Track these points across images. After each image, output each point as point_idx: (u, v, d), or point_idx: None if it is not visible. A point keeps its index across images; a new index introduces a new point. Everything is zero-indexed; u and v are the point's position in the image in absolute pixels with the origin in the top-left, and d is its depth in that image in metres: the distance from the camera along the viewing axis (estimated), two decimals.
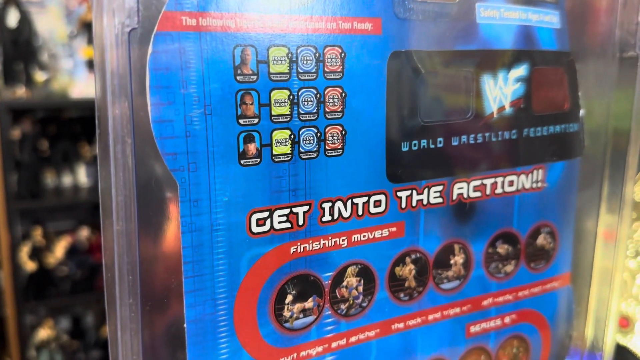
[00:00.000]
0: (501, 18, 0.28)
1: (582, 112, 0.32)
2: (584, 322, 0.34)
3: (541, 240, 0.32)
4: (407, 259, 0.28)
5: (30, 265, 1.45)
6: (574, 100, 0.31)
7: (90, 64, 1.49)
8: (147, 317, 0.22)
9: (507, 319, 0.32)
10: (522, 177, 0.30)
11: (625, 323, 0.44)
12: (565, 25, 0.31)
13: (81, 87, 1.46)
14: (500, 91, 0.29)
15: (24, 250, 1.44)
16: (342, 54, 0.24)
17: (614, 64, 0.31)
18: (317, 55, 0.23)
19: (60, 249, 1.53)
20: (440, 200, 0.28)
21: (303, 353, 0.26)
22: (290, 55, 0.23)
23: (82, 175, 1.57)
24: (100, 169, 0.20)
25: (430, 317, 0.29)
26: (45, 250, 1.51)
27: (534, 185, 0.31)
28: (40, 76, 1.42)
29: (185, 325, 0.23)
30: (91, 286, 1.52)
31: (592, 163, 0.32)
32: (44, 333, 1.50)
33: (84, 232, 1.57)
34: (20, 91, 1.37)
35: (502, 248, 0.30)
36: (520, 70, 0.29)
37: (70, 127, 1.54)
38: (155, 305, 0.22)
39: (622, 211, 0.32)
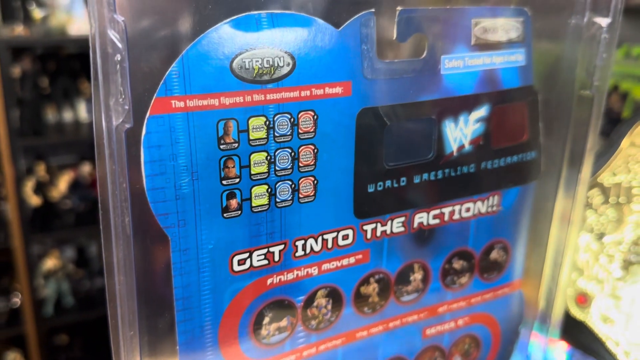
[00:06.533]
0: (465, 67, 0.31)
1: (541, 140, 0.35)
2: (532, 319, 0.39)
3: (494, 254, 0.36)
4: (371, 279, 0.32)
5: (35, 200, 1.50)
6: (533, 130, 0.34)
7: None
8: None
9: (460, 322, 0.36)
10: (479, 203, 0.34)
11: (583, 300, 0.48)
12: (531, 59, 0.33)
13: (79, 23, 1.46)
14: (461, 132, 0.32)
15: (29, 185, 1.49)
16: (315, 117, 0.27)
17: (573, 100, 0.34)
18: (292, 120, 0.26)
19: (63, 183, 1.58)
20: (402, 229, 0.32)
21: None
22: (267, 122, 0.26)
23: (83, 111, 1.60)
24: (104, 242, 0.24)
25: (391, 324, 0.34)
26: (49, 185, 1.56)
27: (490, 209, 0.34)
28: (37, 13, 1.42)
29: (177, 347, 0.27)
30: (94, 218, 1.58)
31: (547, 185, 0.36)
32: (50, 263, 1.58)
33: (86, 168, 1.61)
34: (19, 29, 1.37)
35: (458, 264, 0.35)
36: (481, 112, 0.32)
37: (69, 63, 1.55)
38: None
39: (577, 194, 0.35)
